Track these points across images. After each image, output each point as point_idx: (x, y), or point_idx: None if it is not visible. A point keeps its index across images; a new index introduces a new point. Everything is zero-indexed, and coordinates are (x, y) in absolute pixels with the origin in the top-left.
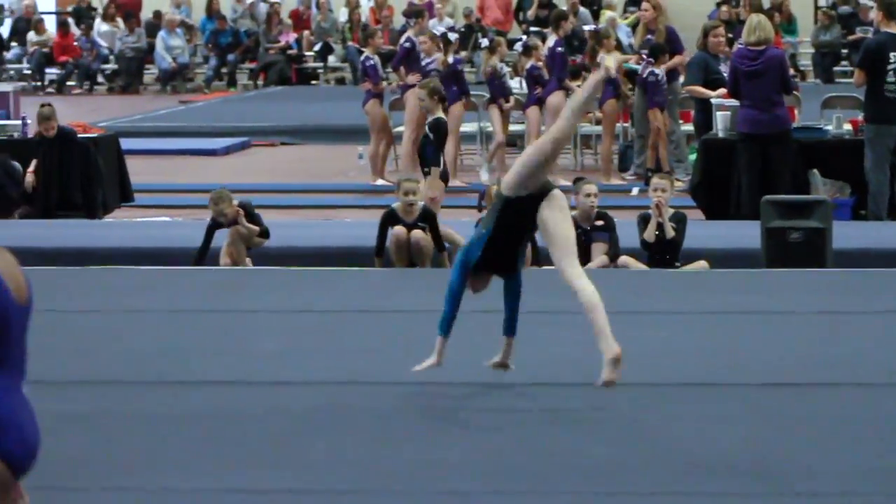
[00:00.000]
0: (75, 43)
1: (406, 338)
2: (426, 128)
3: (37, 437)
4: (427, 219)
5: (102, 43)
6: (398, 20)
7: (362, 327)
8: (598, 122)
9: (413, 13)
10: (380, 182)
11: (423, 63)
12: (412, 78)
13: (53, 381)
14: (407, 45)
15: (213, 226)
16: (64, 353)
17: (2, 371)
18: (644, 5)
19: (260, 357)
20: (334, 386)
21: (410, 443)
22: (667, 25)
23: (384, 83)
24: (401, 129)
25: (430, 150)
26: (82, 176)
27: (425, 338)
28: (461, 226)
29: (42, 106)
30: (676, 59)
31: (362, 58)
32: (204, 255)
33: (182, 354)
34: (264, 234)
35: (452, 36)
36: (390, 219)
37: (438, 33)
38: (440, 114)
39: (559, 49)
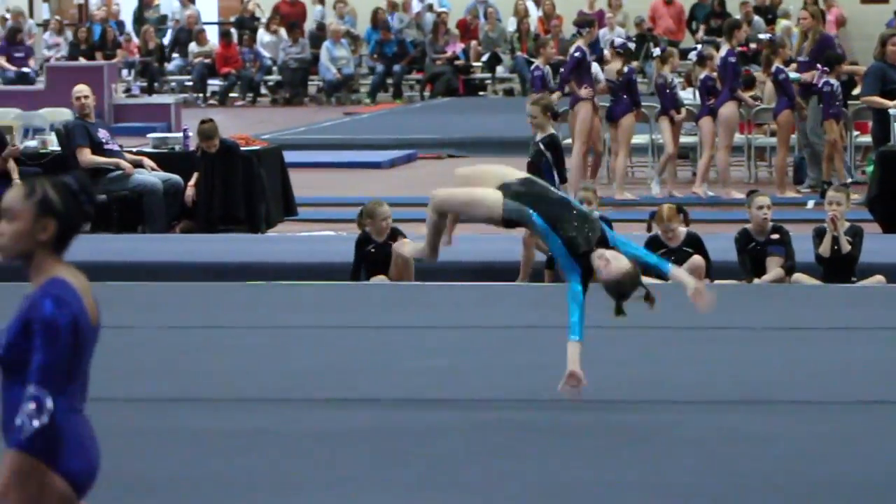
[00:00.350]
0: (238, 54)
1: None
2: (540, 145)
3: (98, 458)
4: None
5: (265, 53)
6: (567, 29)
7: (527, 343)
8: (772, 134)
9: (584, 23)
10: None
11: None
12: (585, 91)
13: (218, 399)
14: (578, 55)
15: (364, 240)
16: (228, 371)
17: (68, 392)
18: (802, 13)
19: (425, 374)
20: (501, 403)
21: (583, 461)
22: (822, 33)
23: (553, 95)
24: (569, 141)
25: (546, 167)
26: (245, 189)
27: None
28: (632, 240)
29: (203, 122)
30: (851, 68)
31: (531, 68)
32: (358, 271)
33: (347, 372)
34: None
35: (631, 44)
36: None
37: (617, 43)
38: (551, 129)
39: (731, 59)
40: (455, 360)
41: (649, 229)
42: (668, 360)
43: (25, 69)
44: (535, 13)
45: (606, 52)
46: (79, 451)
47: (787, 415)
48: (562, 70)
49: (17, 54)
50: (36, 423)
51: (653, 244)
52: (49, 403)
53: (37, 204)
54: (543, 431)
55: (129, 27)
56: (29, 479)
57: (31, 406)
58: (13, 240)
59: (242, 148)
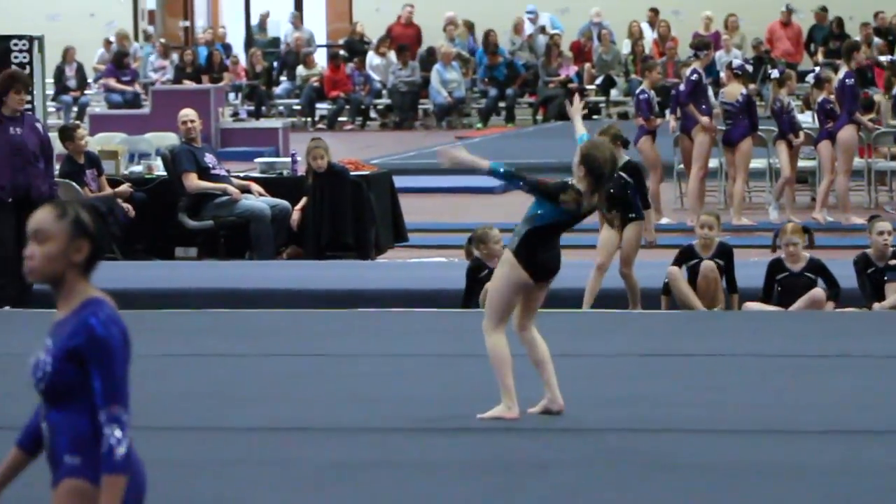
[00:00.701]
0: (348, 77)
1: (688, 382)
2: (622, 175)
3: (146, 481)
4: (724, 255)
5: (375, 77)
6: (683, 51)
7: (632, 372)
8: (893, 158)
9: (701, 45)
10: (664, 220)
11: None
12: (705, 120)
13: (328, 428)
14: (694, 77)
15: (477, 267)
16: (337, 399)
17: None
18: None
19: (537, 403)
20: (608, 433)
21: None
22: None
23: (658, 119)
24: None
25: (632, 194)
26: (354, 215)
27: (712, 384)
28: (750, 266)
29: (313, 139)
30: None
31: (637, 91)
32: (470, 297)
33: (458, 400)
34: None
35: (747, 65)
36: (683, 255)
37: (735, 65)
38: (625, 157)
39: (849, 81)
40: (576, 387)
41: (774, 250)
42: (788, 389)
43: (133, 94)
44: (649, 35)
45: (723, 75)
46: (138, 464)
47: None
48: (674, 92)
49: (124, 78)
50: (124, 445)
51: (774, 268)
52: (126, 419)
53: (71, 224)
54: (648, 465)
55: (235, 50)
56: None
57: (113, 429)
58: (46, 262)
59: (352, 173)
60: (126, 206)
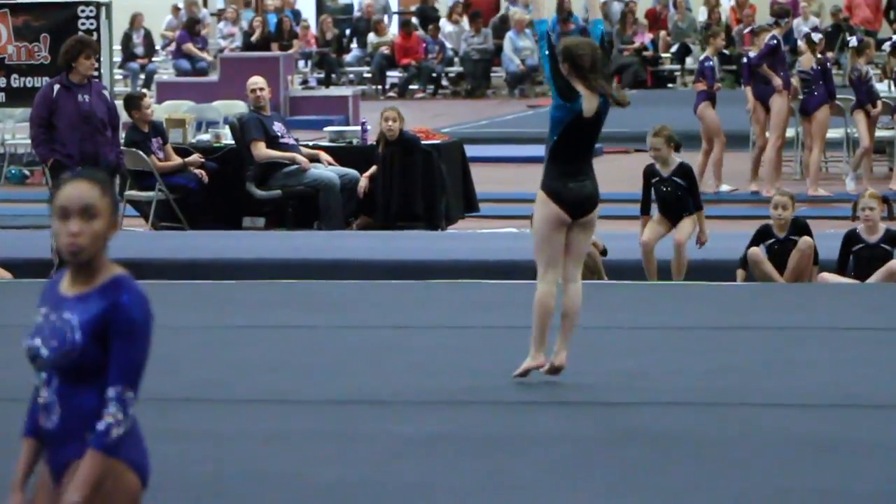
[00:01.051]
0: (423, 45)
1: (759, 356)
2: (675, 180)
3: (149, 467)
4: (800, 230)
5: (447, 44)
6: (761, 19)
7: (716, 344)
8: None
9: (779, 12)
10: (724, 188)
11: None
12: (778, 82)
13: (402, 402)
14: (773, 42)
15: None
16: (406, 372)
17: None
18: None
19: (615, 374)
20: (686, 407)
21: (778, 470)
22: None
23: (718, 84)
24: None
25: (684, 198)
26: (424, 185)
27: (783, 357)
28: (827, 238)
29: (387, 110)
30: None
31: (701, 57)
32: None
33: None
34: (603, 251)
35: (816, 36)
36: (761, 235)
37: (803, 33)
38: (677, 160)
39: None
40: (640, 361)
41: (854, 220)
42: (865, 362)
43: (201, 61)
44: (726, 2)
45: (801, 44)
46: (142, 445)
47: None
48: (745, 61)
49: (196, 45)
50: (122, 428)
51: (850, 240)
52: (133, 404)
53: (112, 200)
54: (729, 439)
55: (306, 16)
56: (105, 479)
57: (117, 410)
58: (95, 240)
59: (423, 142)
60: (199, 171)
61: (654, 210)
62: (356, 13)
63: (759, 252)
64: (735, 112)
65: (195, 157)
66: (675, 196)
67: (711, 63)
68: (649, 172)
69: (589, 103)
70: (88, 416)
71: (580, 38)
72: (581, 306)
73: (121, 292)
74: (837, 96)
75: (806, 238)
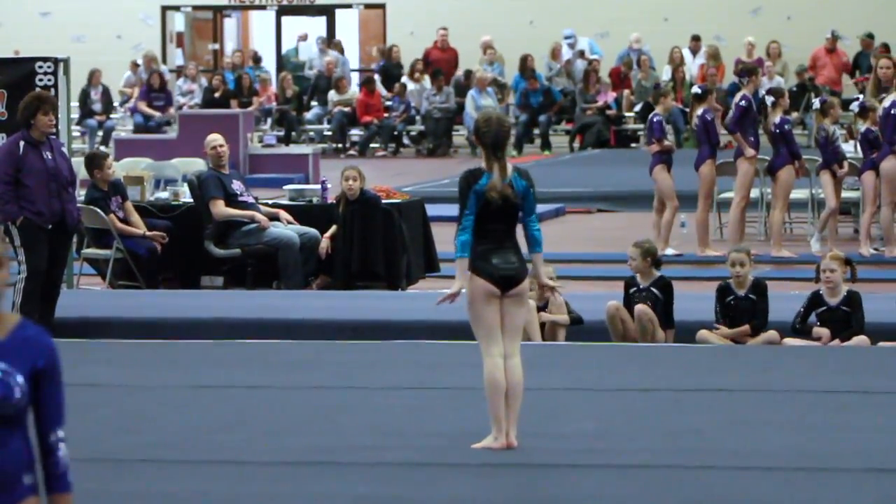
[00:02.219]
0: (387, 103)
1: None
2: (654, 291)
3: None
4: (757, 290)
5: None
6: (727, 79)
7: (679, 406)
8: None
9: (745, 71)
10: (669, 251)
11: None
12: (750, 152)
13: (359, 463)
14: (743, 103)
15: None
16: (367, 432)
17: None
18: (883, 62)
19: (575, 436)
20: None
21: None
22: None
23: (667, 143)
24: (729, 194)
25: (661, 309)
26: (385, 244)
27: (745, 418)
28: (790, 300)
29: (347, 169)
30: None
31: (650, 115)
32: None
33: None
34: (575, 321)
35: (769, 99)
36: (722, 291)
37: (762, 94)
38: (655, 273)
39: (894, 111)
40: (602, 423)
41: (817, 281)
42: (826, 427)
43: (162, 116)
44: (690, 61)
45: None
46: None
47: None
48: (728, 119)
49: (157, 102)
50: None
51: (813, 302)
52: None
53: (6, 247)
54: None
55: (265, 73)
56: None
57: (64, 449)
58: (4, 288)
59: (383, 201)
60: (155, 234)
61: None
62: (308, 71)
63: (613, 308)
64: (692, 173)
65: (155, 233)
66: (653, 308)
67: (660, 118)
68: (628, 283)
69: (497, 176)
70: (23, 460)
71: (486, 112)
72: (523, 381)
73: (40, 334)
74: (804, 157)
75: (640, 307)
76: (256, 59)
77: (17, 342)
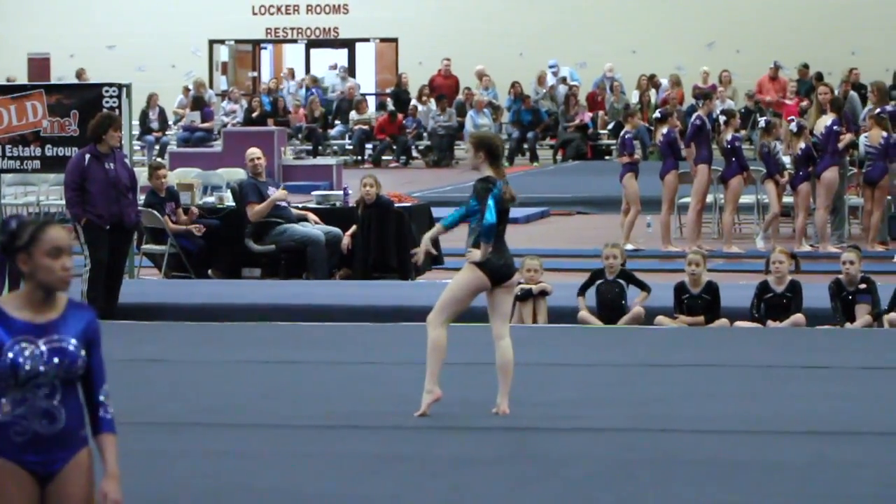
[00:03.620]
0: (404, 122)
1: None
2: (619, 281)
3: None
4: (711, 291)
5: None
6: (689, 100)
7: (646, 379)
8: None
9: (702, 95)
10: (629, 246)
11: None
12: (692, 167)
13: (376, 426)
14: (698, 122)
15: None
16: (383, 400)
17: None
18: (822, 89)
19: (555, 404)
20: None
21: (689, 488)
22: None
23: (636, 156)
24: (687, 199)
25: (625, 300)
26: (397, 241)
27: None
28: (739, 288)
29: (366, 177)
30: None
31: (622, 132)
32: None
33: (484, 402)
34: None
35: (722, 118)
36: (679, 290)
37: (716, 114)
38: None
39: (836, 128)
40: (578, 393)
41: (767, 273)
42: (772, 396)
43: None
44: (653, 93)
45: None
46: None
47: (874, 445)
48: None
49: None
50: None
51: (762, 290)
52: None
53: (71, 239)
54: (650, 462)
55: (296, 98)
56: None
57: (110, 400)
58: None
59: (396, 204)
60: (191, 227)
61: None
62: (332, 94)
63: (581, 301)
64: (656, 181)
65: (193, 228)
66: (617, 297)
67: (630, 136)
68: (595, 274)
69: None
70: (81, 416)
71: (492, 133)
72: (513, 358)
73: (86, 310)
74: (751, 168)
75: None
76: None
77: (70, 318)
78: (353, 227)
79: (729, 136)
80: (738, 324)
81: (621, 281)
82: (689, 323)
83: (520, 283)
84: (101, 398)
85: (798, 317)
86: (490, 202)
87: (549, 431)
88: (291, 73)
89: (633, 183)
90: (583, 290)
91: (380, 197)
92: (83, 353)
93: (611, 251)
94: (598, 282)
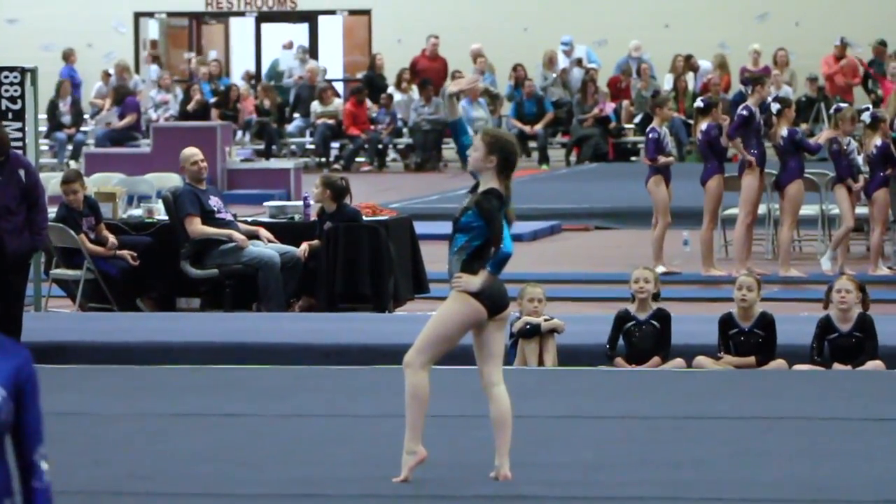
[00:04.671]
0: (373, 115)
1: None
2: (653, 323)
3: None
4: (765, 327)
5: (398, 114)
6: (732, 88)
7: (680, 435)
8: None
9: (752, 79)
10: (660, 269)
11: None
12: (749, 158)
13: (343, 496)
14: (745, 112)
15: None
16: (353, 463)
17: None
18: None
19: (572, 467)
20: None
21: None
22: None
23: (664, 157)
24: (733, 211)
25: (657, 340)
26: (371, 263)
27: (750, 447)
28: (800, 322)
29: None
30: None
31: (647, 129)
32: (509, 355)
33: (481, 464)
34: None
35: (774, 107)
36: (724, 323)
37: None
38: (654, 306)
39: None
40: (599, 453)
41: (826, 307)
42: (836, 456)
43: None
44: (691, 76)
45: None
46: None
47: None
48: (727, 128)
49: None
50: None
51: (824, 328)
52: None
53: None
54: None
55: (242, 85)
56: None
57: (47, 466)
58: None
59: (368, 218)
60: (126, 253)
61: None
62: (287, 80)
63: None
64: (696, 188)
65: (126, 252)
66: (651, 339)
67: (656, 135)
68: (623, 318)
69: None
70: (8, 483)
71: (501, 129)
72: (510, 408)
73: (17, 347)
74: (815, 170)
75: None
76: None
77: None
78: (315, 242)
79: (784, 131)
80: (798, 367)
81: (655, 323)
82: (736, 365)
83: (518, 317)
84: (36, 461)
85: (875, 364)
86: (505, 227)
87: (561, 501)
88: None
89: (660, 189)
90: (613, 344)
91: (345, 207)
92: (12, 404)
93: (641, 274)
94: (628, 325)
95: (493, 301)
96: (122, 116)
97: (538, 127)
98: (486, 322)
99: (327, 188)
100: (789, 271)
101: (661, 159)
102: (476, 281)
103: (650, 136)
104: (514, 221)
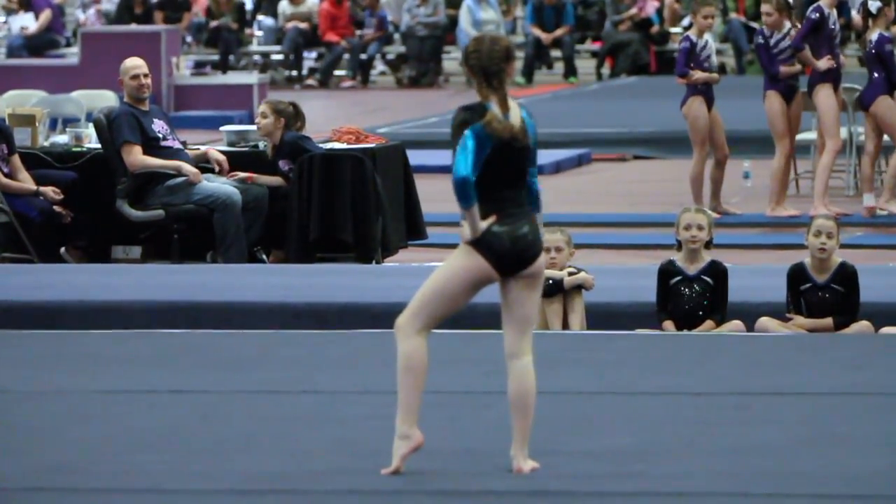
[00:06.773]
0: (357, 17)
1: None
2: (704, 279)
3: None
4: (845, 281)
5: (388, 17)
6: None
7: (741, 415)
8: None
9: None
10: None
11: (775, 42)
12: (824, 63)
13: (319, 491)
14: (815, 16)
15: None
16: (330, 451)
17: None
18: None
19: (607, 456)
20: None
21: None
22: None
23: (696, 73)
24: (808, 135)
25: (712, 299)
26: (354, 204)
27: (828, 431)
28: (889, 274)
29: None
30: None
31: (681, 37)
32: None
33: (486, 453)
34: None
35: (874, 5)
36: (795, 276)
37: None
38: (705, 257)
39: None
40: (640, 438)
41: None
42: None
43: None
44: None
45: (856, 16)
46: None
47: None
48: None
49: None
50: None
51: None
52: None
53: None
54: None
55: None
56: None
57: None
58: None
59: (351, 145)
60: (48, 190)
61: None
62: None
63: (766, 322)
64: (757, 107)
65: (49, 188)
66: (701, 298)
67: (687, 44)
68: (667, 271)
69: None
70: None
71: (482, 36)
72: (535, 387)
73: None
74: (845, 84)
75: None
76: None
77: None
78: (277, 179)
79: (875, 36)
80: (886, 330)
81: (708, 279)
82: (809, 328)
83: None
84: None
85: (861, 325)
86: (469, 143)
87: (592, 498)
88: None
89: (696, 113)
90: (664, 303)
91: (286, 136)
92: None
93: (693, 219)
94: (674, 280)
95: (506, 254)
96: (39, 20)
97: (558, 33)
98: (506, 279)
99: (279, 116)
100: (875, 210)
101: (695, 75)
102: (468, 228)
103: (682, 45)
104: (517, 135)
